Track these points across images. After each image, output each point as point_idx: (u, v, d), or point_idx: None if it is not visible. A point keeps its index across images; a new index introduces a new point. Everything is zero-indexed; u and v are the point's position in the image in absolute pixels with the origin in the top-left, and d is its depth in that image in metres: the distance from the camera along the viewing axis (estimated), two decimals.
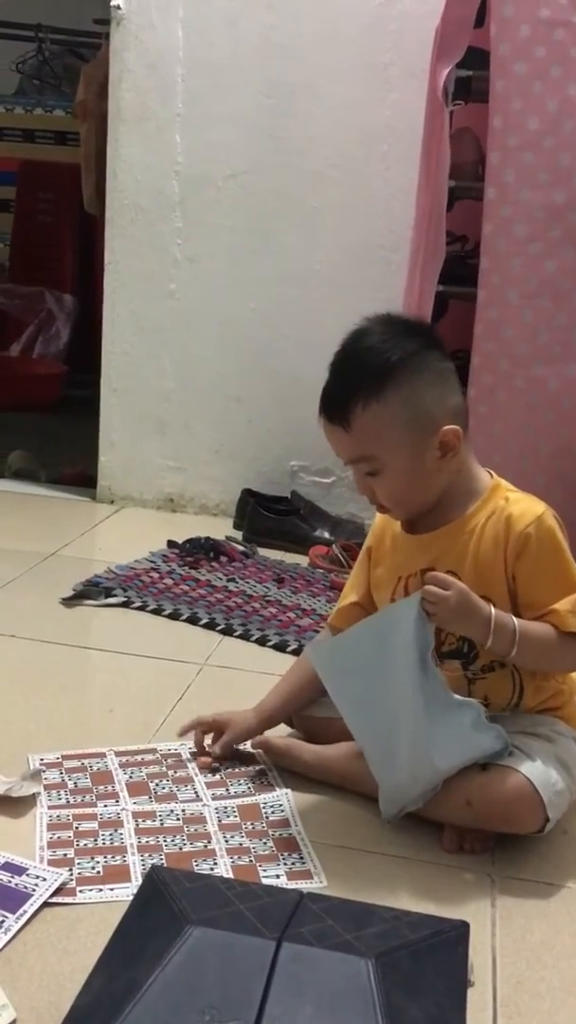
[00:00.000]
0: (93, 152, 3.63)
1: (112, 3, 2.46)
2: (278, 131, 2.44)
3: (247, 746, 1.39)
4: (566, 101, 1.93)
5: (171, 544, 2.28)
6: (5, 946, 0.99)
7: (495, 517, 1.22)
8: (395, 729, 1.18)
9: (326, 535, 2.36)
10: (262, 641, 1.81)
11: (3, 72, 4.56)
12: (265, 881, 1.12)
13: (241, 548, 2.30)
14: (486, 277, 2.03)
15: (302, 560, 2.29)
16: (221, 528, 2.45)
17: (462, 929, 0.86)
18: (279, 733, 1.39)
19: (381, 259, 2.40)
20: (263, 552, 2.32)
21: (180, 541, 2.27)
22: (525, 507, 1.22)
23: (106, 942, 0.86)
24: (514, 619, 1.18)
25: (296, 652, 1.77)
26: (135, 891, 1.06)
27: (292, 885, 1.12)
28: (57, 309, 4.34)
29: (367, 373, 1.18)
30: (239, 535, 2.42)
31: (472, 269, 2.08)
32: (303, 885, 1.12)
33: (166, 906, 0.83)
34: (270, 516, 2.43)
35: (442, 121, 2.01)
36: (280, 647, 1.79)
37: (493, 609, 1.17)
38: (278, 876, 1.14)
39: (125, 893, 1.08)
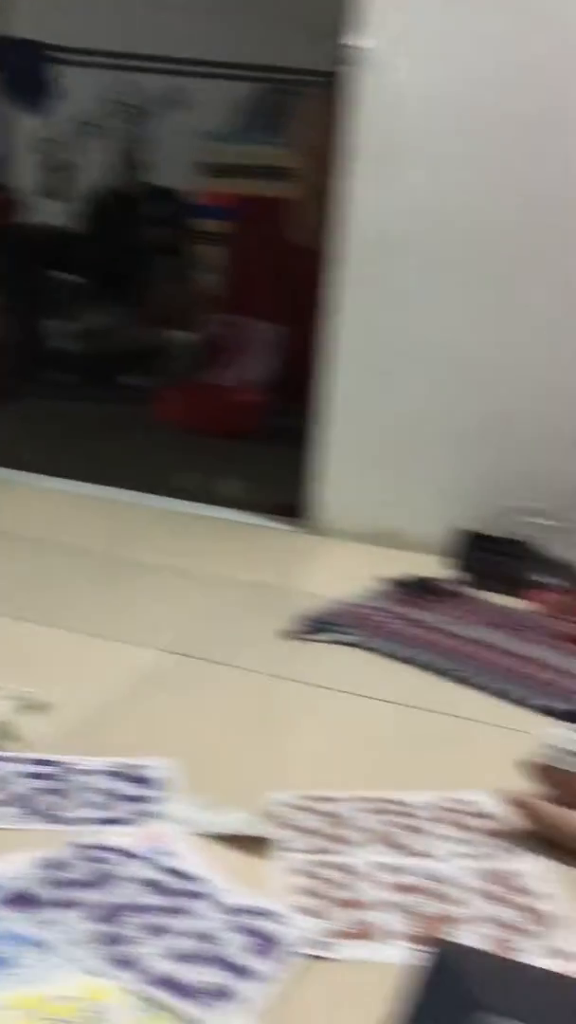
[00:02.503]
0: (313, 186, 3.70)
1: (346, 40, 2.47)
2: (516, 171, 2.38)
3: (488, 805, 1.32)
4: None
5: (391, 581, 2.24)
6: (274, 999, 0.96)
7: None
8: None
9: (551, 580, 2.26)
10: (502, 694, 1.72)
11: (222, 109, 4.72)
12: (520, 957, 1.05)
13: (458, 589, 2.23)
14: None
15: (522, 605, 2.20)
16: (437, 567, 2.39)
17: None
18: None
19: None
20: (481, 594, 2.25)
21: (398, 578, 2.23)
22: None
23: (375, 1005, 0.82)
24: None
25: (546, 711, 1.66)
26: (396, 952, 1.02)
27: (553, 965, 1.04)
28: (265, 339, 4.43)
29: None
30: (456, 575, 2.36)
31: None
32: (568, 967, 1.04)
33: (459, 986, 0.78)
34: (489, 557, 2.36)
35: None
36: (520, 701, 1.70)
37: None
38: (536, 953, 1.07)
39: (385, 954, 1.04)
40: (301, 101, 4.13)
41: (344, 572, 2.35)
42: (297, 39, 4.42)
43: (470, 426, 2.51)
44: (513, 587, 2.28)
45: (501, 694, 1.74)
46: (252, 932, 1.04)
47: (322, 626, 1.94)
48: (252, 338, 4.48)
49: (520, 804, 1.28)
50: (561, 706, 1.68)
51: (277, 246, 4.42)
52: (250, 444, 3.79)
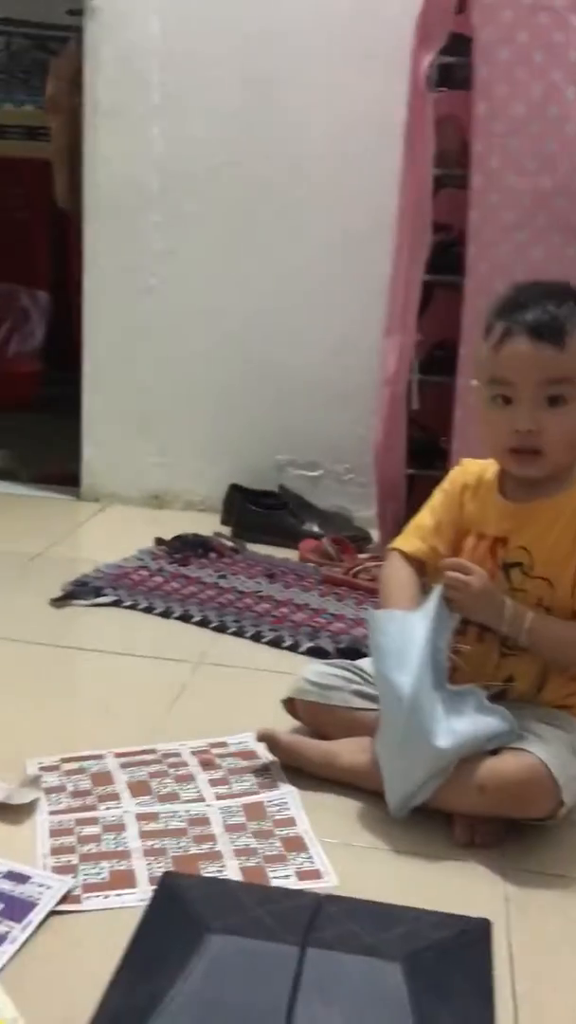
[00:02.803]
0: (65, 147, 3.57)
1: None
2: (258, 122, 2.41)
3: (252, 740, 1.37)
4: (550, 86, 1.92)
5: (159, 541, 2.25)
6: (12, 958, 0.97)
7: None
8: (399, 710, 1.19)
9: (315, 529, 2.34)
10: (257, 637, 1.79)
11: None
12: (274, 882, 1.10)
13: (230, 544, 2.27)
14: (473, 265, 2.01)
15: (292, 555, 2.27)
16: (208, 524, 2.42)
17: (484, 927, 0.84)
18: (284, 729, 1.37)
19: (365, 249, 2.38)
20: (252, 547, 2.30)
21: (168, 538, 2.24)
22: None
23: (117, 951, 0.84)
24: (530, 614, 1.23)
25: (291, 648, 1.75)
26: (142, 897, 1.04)
27: (302, 885, 1.10)
28: (31, 306, 4.28)
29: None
30: (227, 531, 2.40)
31: (457, 258, 2.06)
32: (314, 885, 1.10)
33: (183, 913, 0.80)
34: (258, 511, 2.41)
35: (425, 108, 2.00)
36: (275, 643, 1.77)
37: (508, 600, 1.22)
38: (287, 876, 1.11)
39: (133, 899, 1.06)
40: (52, 59, 3.99)
41: (118, 536, 2.34)
42: None
43: (232, 382, 2.54)
44: (282, 538, 2.34)
45: (259, 638, 1.79)
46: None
47: (83, 590, 1.93)
48: (20, 306, 4.32)
49: (262, 738, 1.33)
50: (307, 643, 1.75)
51: (38, 210, 4.27)
52: (23, 415, 3.68)
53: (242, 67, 2.39)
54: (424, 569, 1.36)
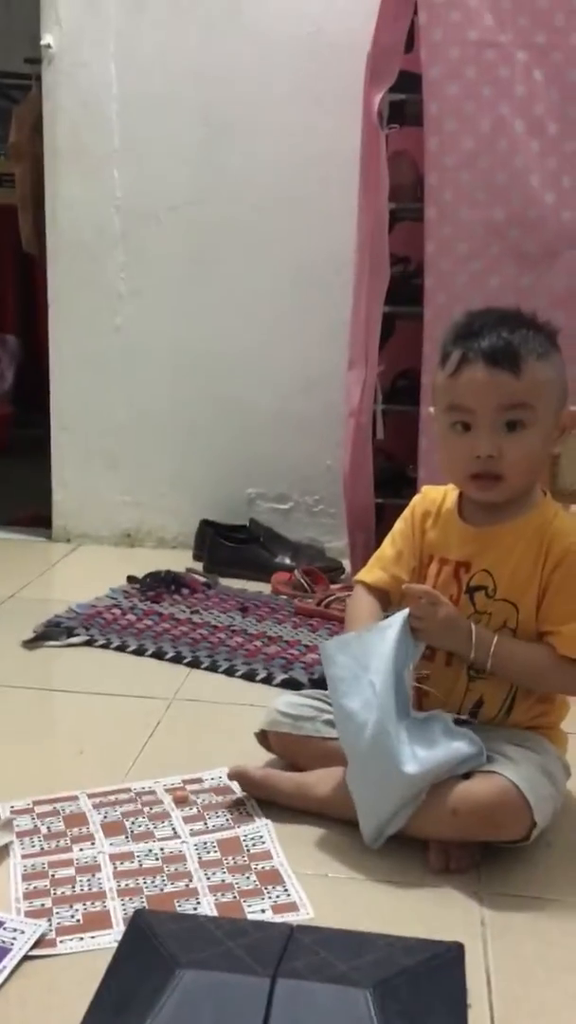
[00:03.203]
0: (29, 192, 3.62)
1: (42, 42, 2.45)
2: (216, 161, 2.45)
3: (224, 778, 1.37)
4: (499, 120, 1.97)
5: (131, 579, 2.25)
6: None
7: (542, 528, 1.26)
8: (364, 737, 1.19)
9: (287, 561, 2.35)
10: (230, 672, 1.79)
11: None
12: (251, 917, 1.09)
13: (202, 579, 2.27)
14: (431, 296, 2.04)
15: (265, 588, 2.27)
16: (181, 560, 2.43)
17: (457, 951, 0.84)
18: (256, 763, 1.37)
19: (325, 283, 2.42)
20: (225, 582, 2.30)
21: (140, 576, 2.24)
22: (573, 525, 1.27)
23: (92, 993, 0.83)
24: (494, 637, 1.23)
25: (265, 680, 1.75)
26: (116, 937, 1.03)
27: (279, 919, 1.09)
28: (0, 351, 4.30)
29: (538, 331, 1.22)
30: (199, 566, 2.40)
31: (416, 289, 2.10)
32: (290, 918, 1.10)
33: (153, 950, 0.80)
34: (230, 545, 2.41)
35: (378, 144, 2.04)
36: (248, 676, 1.77)
37: (474, 626, 1.23)
38: (263, 911, 1.11)
39: (107, 940, 1.05)
40: (15, 105, 4.04)
41: (90, 576, 2.34)
42: (7, 39, 4.34)
43: (200, 418, 2.55)
44: (255, 571, 2.34)
45: (229, 672, 1.79)
46: None
47: (55, 631, 1.92)
48: None
49: (233, 776, 1.33)
50: (281, 675, 1.75)
51: (4, 255, 4.30)
52: None
53: (199, 109, 2.43)
54: (389, 599, 1.36)
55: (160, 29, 2.41)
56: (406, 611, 1.22)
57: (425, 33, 1.97)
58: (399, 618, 1.22)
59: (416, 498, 1.39)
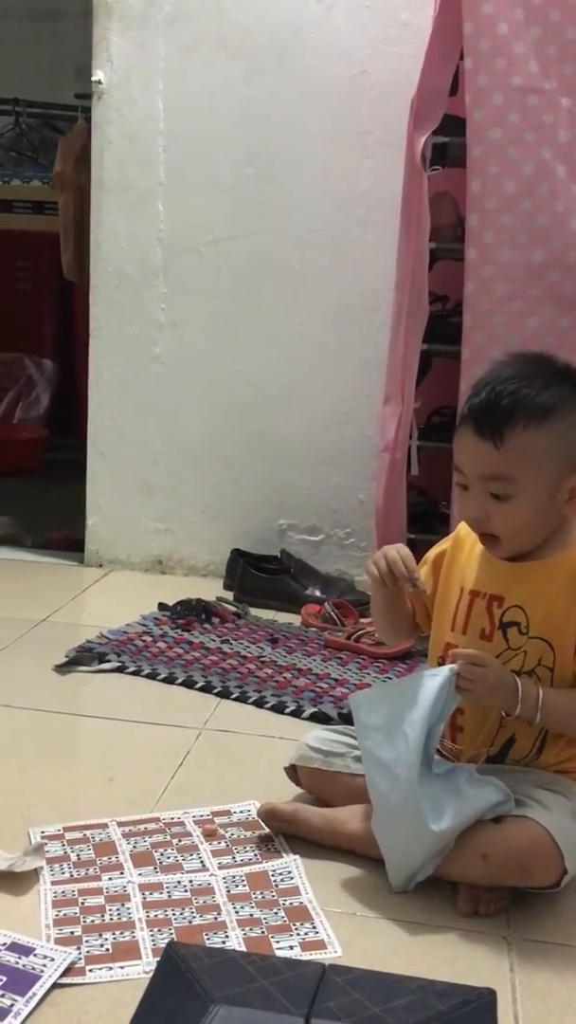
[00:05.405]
0: (71, 221, 3.70)
1: (93, 78, 2.51)
2: (259, 198, 2.49)
3: (252, 813, 1.37)
4: (541, 164, 1.99)
5: (162, 607, 2.26)
6: None
7: None
8: (395, 791, 1.18)
9: (317, 593, 2.35)
10: (259, 703, 1.80)
11: None
12: (279, 953, 1.09)
13: (233, 609, 2.29)
14: (469, 335, 2.06)
15: (294, 619, 2.28)
16: (211, 589, 2.44)
17: (489, 997, 0.84)
18: (284, 797, 1.37)
19: (363, 320, 2.44)
20: (255, 612, 2.31)
21: (171, 604, 2.26)
22: None
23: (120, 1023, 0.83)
24: (539, 689, 1.21)
25: (294, 713, 1.75)
26: (146, 968, 1.04)
27: (306, 956, 1.09)
28: (37, 375, 4.36)
29: (534, 398, 1.18)
30: (230, 595, 2.41)
31: (454, 327, 2.12)
32: (318, 955, 1.09)
33: (187, 984, 0.80)
34: (260, 576, 2.42)
35: (421, 185, 2.06)
36: (278, 708, 1.77)
37: (519, 681, 1.20)
38: (291, 947, 1.11)
39: (136, 971, 1.06)
40: (61, 137, 4.13)
41: (122, 602, 2.36)
42: (55, 74, 4.43)
43: (234, 449, 2.58)
44: (285, 603, 2.35)
45: (259, 703, 1.79)
46: (2, 969, 1.03)
47: (86, 656, 1.94)
48: (26, 374, 4.40)
49: (263, 815, 1.33)
50: (310, 709, 1.76)
51: (45, 281, 4.37)
52: (28, 481, 3.72)
53: (243, 146, 2.47)
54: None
55: (208, 69, 2.46)
56: (454, 667, 1.19)
57: (470, 78, 2.00)
58: (445, 673, 1.19)
59: (460, 526, 1.37)
